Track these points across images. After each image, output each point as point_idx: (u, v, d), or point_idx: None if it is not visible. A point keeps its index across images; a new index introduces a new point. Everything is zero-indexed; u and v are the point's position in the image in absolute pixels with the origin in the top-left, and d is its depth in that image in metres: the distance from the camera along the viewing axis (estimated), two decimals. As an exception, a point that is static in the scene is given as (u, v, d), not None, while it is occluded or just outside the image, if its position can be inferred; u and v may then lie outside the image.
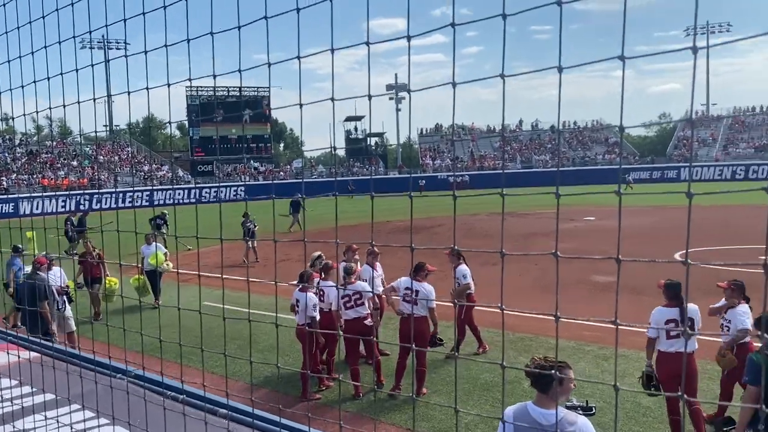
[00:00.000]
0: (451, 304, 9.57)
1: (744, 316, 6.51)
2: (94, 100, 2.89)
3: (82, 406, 3.57)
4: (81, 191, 43.21)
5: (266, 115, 64.21)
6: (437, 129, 74.50)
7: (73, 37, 2.83)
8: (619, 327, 1.83)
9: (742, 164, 56.85)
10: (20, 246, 10.75)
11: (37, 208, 38.70)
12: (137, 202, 45.15)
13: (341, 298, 8.06)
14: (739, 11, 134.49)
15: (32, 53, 3.07)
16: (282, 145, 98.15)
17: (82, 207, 34.02)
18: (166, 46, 2.48)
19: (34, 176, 48.79)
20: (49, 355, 4.28)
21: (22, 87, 3.28)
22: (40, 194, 35.53)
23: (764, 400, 4.70)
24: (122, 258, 3.51)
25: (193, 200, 48.33)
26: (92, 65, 2.91)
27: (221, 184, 56.20)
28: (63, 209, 34.25)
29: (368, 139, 72.16)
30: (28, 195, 39.71)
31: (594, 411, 3.85)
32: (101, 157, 55.95)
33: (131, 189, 46.44)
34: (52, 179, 47.57)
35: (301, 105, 2.18)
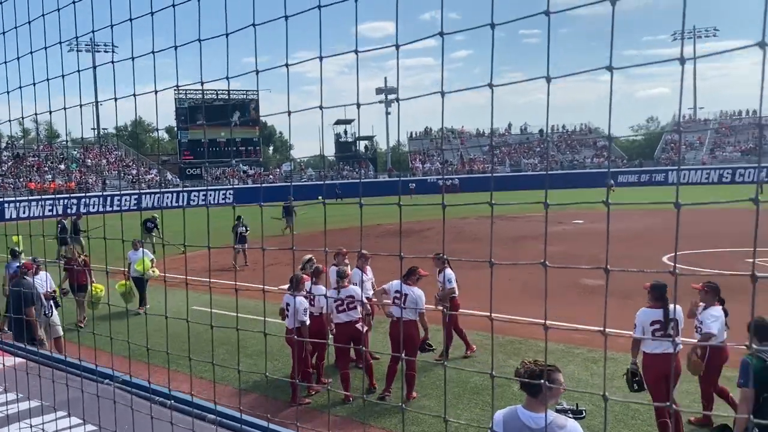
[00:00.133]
0: (441, 309, 9.57)
1: (710, 319, 6.50)
2: (81, 106, 2.87)
3: (68, 413, 3.53)
4: (68, 195, 42.91)
5: (255, 119, 64.05)
6: (427, 132, 74.60)
7: (59, 42, 2.81)
8: (608, 332, 1.83)
9: (729, 168, 57.41)
10: (17, 249, 10.66)
11: (24, 213, 38.40)
12: (125, 205, 44.85)
13: (334, 302, 8.06)
14: (725, 15, 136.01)
15: (18, 59, 3.05)
16: (271, 148, 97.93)
17: (69, 211, 33.74)
18: (153, 52, 2.46)
19: (21, 180, 48.37)
20: (35, 361, 4.24)
21: (8, 93, 3.25)
22: (26, 198, 35.24)
23: (754, 410, 4.75)
24: (110, 262, 3.48)
25: (182, 204, 48.12)
26: (79, 71, 2.89)
27: (210, 187, 55.95)
28: (51, 213, 33.93)
29: (358, 142, 72.15)
30: (14, 199, 39.33)
31: (584, 414, 3.86)
32: (89, 161, 55.58)
33: (119, 193, 46.14)
34: (39, 183, 47.19)
35: (289, 113, 2.17)
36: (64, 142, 50.55)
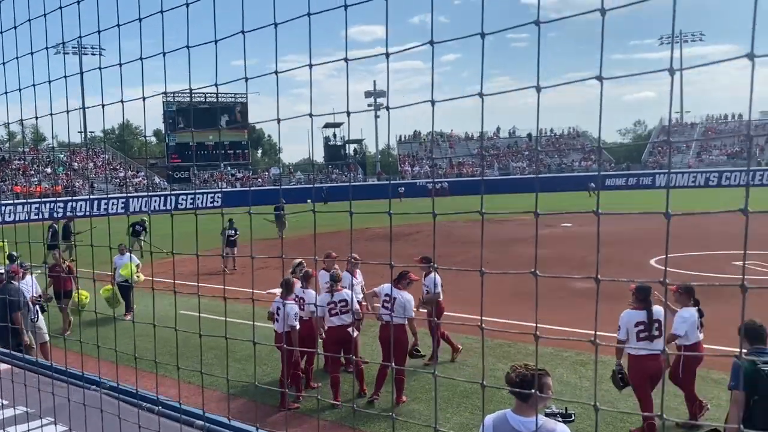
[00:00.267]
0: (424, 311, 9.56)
1: (679, 320, 6.69)
2: (68, 112, 2.85)
3: (54, 419, 3.49)
4: (55, 198, 42.53)
5: (244, 122, 63.86)
6: (416, 136, 74.69)
7: (46, 48, 2.79)
8: (599, 343, 1.84)
9: (716, 171, 57.95)
10: (15, 254, 10.56)
11: (9, 217, 37.99)
12: (112, 209, 44.50)
13: (327, 305, 8.04)
14: (711, 20, 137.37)
15: (3, 64, 3.02)
16: (260, 151, 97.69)
17: (55, 215, 33.44)
18: (141, 59, 2.44)
19: (6, 183, 47.91)
20: (20, 367, 4.19)
21: (-7, 96, 3.22)
22: (12, 201, 34.88)
23: (744, 413, 4.77)
24: (96, 266, 3.45)
25: (170, 207, 47.84)
26: (65, 76, 2.87)
27: (198, 190, 55.70)
28: (37, 217, 33.64)
29: (347, 146, 72.13)
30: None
31: (573, 418, 3.87)
32: (76, 164, 55.16)
33: (106, 196, 45.82)
34: (25, 186, 46.74)
35: (279, 120, 2.17)
36: (51, 146, 50.16)
